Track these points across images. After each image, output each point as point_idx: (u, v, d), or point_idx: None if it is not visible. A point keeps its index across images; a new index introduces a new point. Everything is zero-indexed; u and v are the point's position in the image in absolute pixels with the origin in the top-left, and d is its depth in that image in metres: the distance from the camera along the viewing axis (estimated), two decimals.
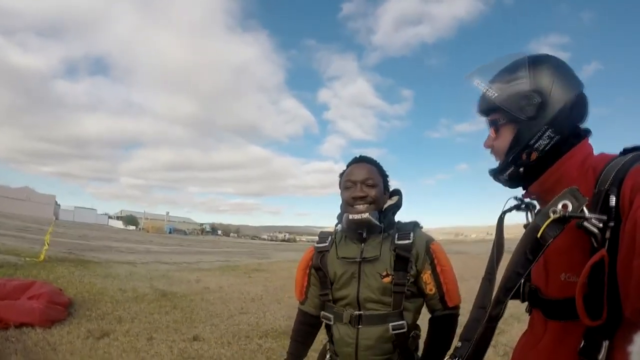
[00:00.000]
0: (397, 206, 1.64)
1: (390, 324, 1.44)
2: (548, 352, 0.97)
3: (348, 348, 1.49)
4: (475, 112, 1.14)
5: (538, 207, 1.08)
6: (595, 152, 1.00)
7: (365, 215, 1.49)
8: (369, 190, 1.53)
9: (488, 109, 1.08)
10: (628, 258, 0.74)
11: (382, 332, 1.45)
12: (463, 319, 1.25)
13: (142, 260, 14.56)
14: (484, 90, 1.04)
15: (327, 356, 1.62)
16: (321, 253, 1.63)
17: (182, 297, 7.86)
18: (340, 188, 1.63)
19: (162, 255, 18.88)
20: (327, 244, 1.63)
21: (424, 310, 1.57)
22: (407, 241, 1.49)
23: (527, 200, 1.09)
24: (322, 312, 1.61)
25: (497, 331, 0.98)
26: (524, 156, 1.00)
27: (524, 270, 0.86)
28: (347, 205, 1.55)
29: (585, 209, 0.80)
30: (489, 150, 1.12)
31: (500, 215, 1.12)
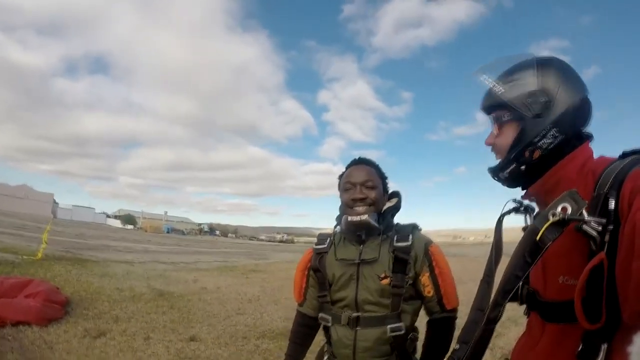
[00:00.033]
0: (396, 208, 1.64)
1: (388, 326, 1.44)
2: (546, 355, 0.97)
3: (346, 350, 1.49)
4: (479, 109, 1.14)
5: (537, 209, 1.08)
6: (595, 155, 1.00)
7: (365, 217, 1.49)
8: (368, 192, 1.53)
9: (493, 105, 1.07)
10: (627, 261, 0.74)
11: (380, 334, 1.45)
12: (461, 321, 1.25)
13: (139, 260, 14.53)
14: (491, 86, 1.04)
15: (325, 358, 1.61)
16: (320, 255, 1.62)
17: (180, 297, 7.84)
18: (339, 190, 1.63)
19: (160, 254, 18.84)
20: (325, 246, 1.63)
21: (422, 312, 1.57)
22: (406, 243, 1.49)
23: (525, 202, 1.09)
24: (320, 314, 1.61)
25: (494, 334, 0.98)
26: (527, 154, 1.00)
27: (522, 273, 0.86)
28: (347, 207, 1.55)
29: (584, 212, 0.81)
30: (489, 150, 1.12)
31: (499, 218, 1.12)
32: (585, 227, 0.81)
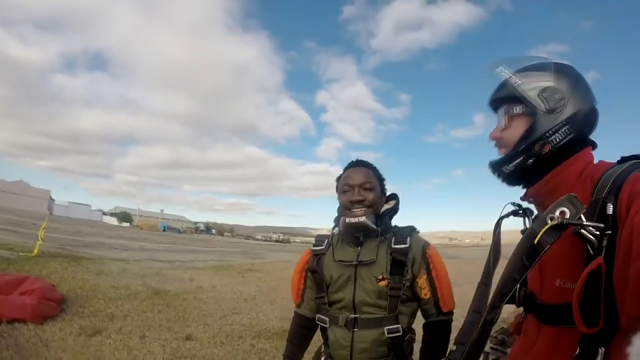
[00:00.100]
0: (394, 210, 1.64)
1: (386, 328, 1.45)
2: (542, 357, 0.97)
3: (343, 351, 1.49)
4: (488, 101, 1.13)
5: (535, 212, 1.09)
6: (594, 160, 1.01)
7: (363, 218, 1.49)
8: (366, 194, 1.53)
9: (506, 97, 1.06)
10: (624, 265, 0.74)
11: (377, 336, 1.45)
12: (456, 323, 1.26)
13: (135, 258, 14.51)
14: (508, 77, 1.03)
15: (322, 359, 1.62)
16: (317, 256, 1.63)
17: (175, 296, 7.83)
18: (337, 192, 1.63)
19: (156, 253, 18.80)
20: (323, 247, 1.64)
21: (419, 314, 1.57)
22: (403, 245, 1.50)
23: (524, 205, 1.09)
24: (318, 315, 1.61)
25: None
26: (537, 147, 0.99)
27: (520, 276, 0.86)
28: (345, 209, 1.56)
29: (582, 216, 0.81)
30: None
31: (498, 221, 1.12)
32: (583, 231, 0.81)
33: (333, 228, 1.69)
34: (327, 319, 1.56)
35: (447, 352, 1.06)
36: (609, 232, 0.80)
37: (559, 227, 0.81)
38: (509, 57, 1.08)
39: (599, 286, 0.77)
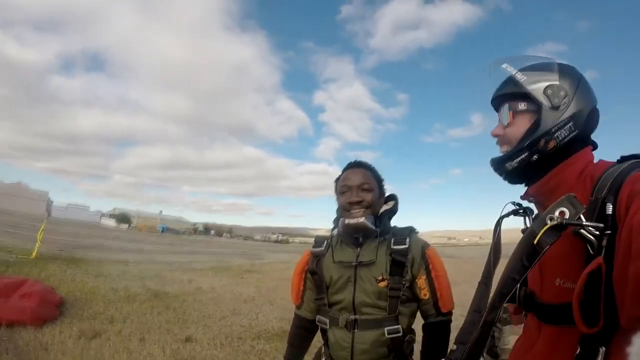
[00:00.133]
0: (393, 211, 1.64)
1: (386, 328, 1.45)
2: (542, 357, 0.97)
3: (343, 352, 1.49)
4: (492, 97, 1.13)
5: (536, 212, 1.09)
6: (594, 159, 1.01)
7: (362, 219, 1.49)
8: (364, 195, 1.54)
9: (511, 93, 1.06)
10: (624, 265, 0.74)
11: (377, 337, 1.45)
12: (456, 322, 1.26)
13: (134, 260, 14.47)
14: (513, 73, 1.03)
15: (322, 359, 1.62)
16: (317, 257, 1.63)
17: (175, 298, 7.81)
18: (336, 193, 1.63)
19: (155, 254, 18.78)
20: (323, 248, 1.64)
21: (419, 315, 1.57)
22: (403, 246, 1.50)
23: (525, 204, 1.09)
24: (318, 316, 1.61)
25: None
26: (542, 142, 0.98)
27: (519, 276, 0.86)
28: (343, 210, 1.56)
29: (582, 216, 0.81)
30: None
31: (498, 220, 1.12)
32: (582, 231, 0.81)
33: (332, 229, 1.69)
34: (327, 320, 1.56)
35: (448, 352, 1.07)
36: (609, 231, 0.80)
37: (559, 228, 0.81)
38: (511, 56, 1.08)
39: (599, 286, 0.77)
